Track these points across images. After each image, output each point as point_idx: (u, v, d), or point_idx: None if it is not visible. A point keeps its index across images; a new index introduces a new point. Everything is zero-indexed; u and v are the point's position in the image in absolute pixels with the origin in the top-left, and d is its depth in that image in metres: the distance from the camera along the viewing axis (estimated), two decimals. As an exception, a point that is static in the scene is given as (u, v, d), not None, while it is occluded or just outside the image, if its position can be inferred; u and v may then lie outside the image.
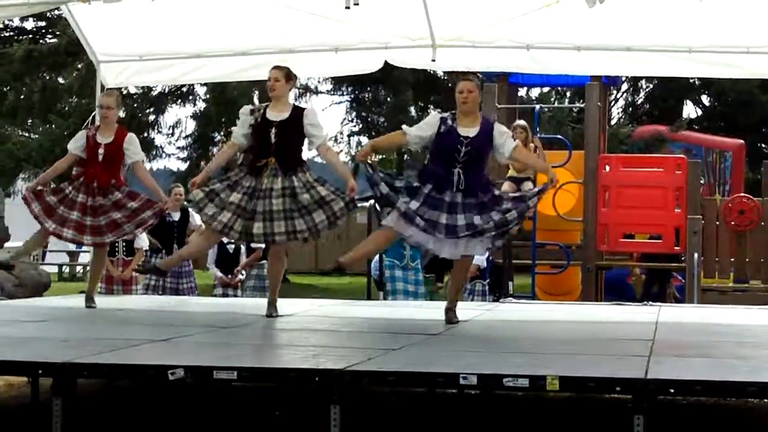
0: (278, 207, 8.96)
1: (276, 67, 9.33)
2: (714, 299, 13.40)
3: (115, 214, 9.80)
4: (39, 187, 10.11)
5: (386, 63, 12.93)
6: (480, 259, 13.23)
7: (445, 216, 8.48)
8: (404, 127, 9.03)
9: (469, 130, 8.63)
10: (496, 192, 8.85)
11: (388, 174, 9.04)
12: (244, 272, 13.58)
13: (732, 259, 14.22)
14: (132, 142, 10.01)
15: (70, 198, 9.86)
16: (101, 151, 9.83)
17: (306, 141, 9.23)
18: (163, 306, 10.87)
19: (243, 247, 13.33)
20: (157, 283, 12.88)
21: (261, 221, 8.97)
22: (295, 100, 30.52)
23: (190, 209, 12.94)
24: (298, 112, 9.18)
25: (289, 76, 9.30)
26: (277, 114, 9.12)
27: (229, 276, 13.54)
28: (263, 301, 9.94)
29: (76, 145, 10.05)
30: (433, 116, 8.94)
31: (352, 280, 26.69)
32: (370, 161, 8.98)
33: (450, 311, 9.04)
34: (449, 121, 8.71)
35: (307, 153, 9.85)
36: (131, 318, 9.75)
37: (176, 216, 13.09)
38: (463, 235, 8.46)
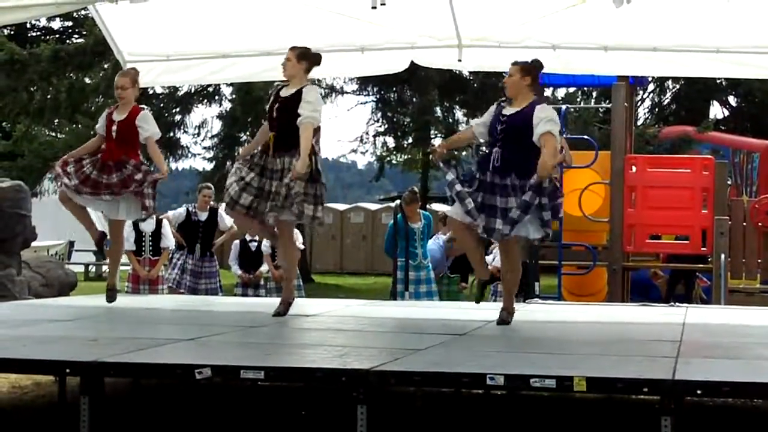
0: (275, 189, 9.00)
1: (290, 48, 9.33)
2: (741, 300, 13.33)
3: (117, 189, 9.77)
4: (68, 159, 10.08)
5: (412, 63, 12.93)
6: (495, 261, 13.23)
7: (480, 195, 8.49)
8: (471, 121, 9.12)
9: (513, 110, 8.64)
10: (532, 181, 8.53)
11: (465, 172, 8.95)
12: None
13: (759, 260, 14.14)
14: (144, 119, 9.97)
15: (85, 170, 9.81)
16: (114, 128, 9.86)
17: None
18: (190, 305, 10.90)
19: (265, 245, 13.31)
20: (176, 276, 12.95)
21: (266, 201, 9.05)
22: (322, 99, 30.56)
23: (219, 210, 12.99)
24: (300, 90, 9.13)
25: (303, 55, 9.25)
26: (287, 90, 9.16)
27: (251, 273, 13.55)
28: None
29: (99, 125, 10.11)
30: (495, 104, 8.91)
31: (377, 280, 26.69)
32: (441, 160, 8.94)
33: (504, 311, 9.02)
34: (502, 104, 8.76)
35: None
36: (158, 317, 9.77)
37: (203, 216, 13.15)
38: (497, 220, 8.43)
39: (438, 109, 29.81)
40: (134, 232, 12.54)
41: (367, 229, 34.22)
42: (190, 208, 13.33)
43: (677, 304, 11.79)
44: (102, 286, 15.46)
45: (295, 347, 7.65)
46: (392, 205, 13.81)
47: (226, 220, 12.76)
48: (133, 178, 9.70)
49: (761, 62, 12.01)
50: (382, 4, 10.00)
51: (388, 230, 13.70)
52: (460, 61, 12.77)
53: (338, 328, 8.73)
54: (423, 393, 7.54)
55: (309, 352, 7.29)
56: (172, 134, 28.30)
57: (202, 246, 13.04)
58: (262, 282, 13.68)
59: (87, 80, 26.65)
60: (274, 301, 9.87)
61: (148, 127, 9.97)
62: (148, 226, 12.70)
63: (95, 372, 6.31)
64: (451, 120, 30.43)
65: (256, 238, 13.40)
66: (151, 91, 24.92)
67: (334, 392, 6.43)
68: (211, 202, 13.35)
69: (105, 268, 28.83)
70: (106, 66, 24.63)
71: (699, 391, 5.80)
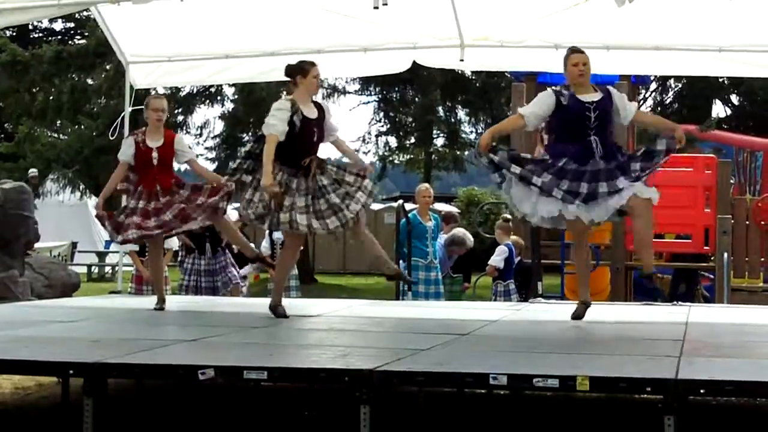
0: (338, 199, 9.02)
1: (317, 64, 9.30)
2: (744, 299, 13.32)
3: (186, 207, 9.73)
4: (105, 209, 10.10)
5: (414, 63, 12.95)
6: (497, 260, 13.24)
7: (586, 186, 8.34)
8: (520, 108, 8.87)
9: (591, 96, 8.53)
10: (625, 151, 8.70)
11: (512, 153, 8.80)
12: None
13: (762, 259, 14.14)
14: (181, 142, 10.09)
15: (130, 208, 9.84)
16: (155, 155, 9.82)
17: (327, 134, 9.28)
18: (193, 306, 10.91)
19: (265, 246, 13.30)
20: (192, 282, 12.91)
21: (333, 215, 9.03)
22: (323, 100, 30.68)
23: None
24: (322, 108, 9.24)
25: None
26: (310, 111, 9.10)
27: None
28: (293, 301, 9.97)
29: (127, 153, 9.97)
30: (546, 93, 8.68)
31: (380, 280, 26.66)
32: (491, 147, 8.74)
33: (581, 304, 9.00)
34: (565, 92, 8.57)
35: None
36: (161, 318, 9.77)
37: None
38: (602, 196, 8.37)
39: (440, 108, 29.86)
40: (138, 232, 12.53)
41: (370, 229, 34.01)
42: None
43: (680, 303, 11.78)
44: (105, 287, 15.41)
45: (298, 347, 7.66)
46: (394, 205, 13.75)
47: (232, 215, 12.73)
48: (194, 200, 9.73)
49: (763, 61, 12.02)
50: (384, 4, 10.01)
51: (402, 228, 13.52)
52: (462, 60, 12.79)
53: (341, 329, 8.74)
54: (426, 393, 7.54)
55: (312, 352, 7.29)
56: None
57: (212, 245, 13.00)
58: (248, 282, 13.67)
59: (89, 81, 26.70)
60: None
61: (186, 149, 10.10)
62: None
63: (98, 373, 6.30)
64: (453, 120, 30.49)
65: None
66: (153, 92, 24.93)
67: (338, 392, 6.43)
68: None
69: (107, 269, 28.94)
70: (108, 67, 24.67)
71: (702, 390, 5.79)
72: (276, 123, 8.94)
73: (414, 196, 13.76)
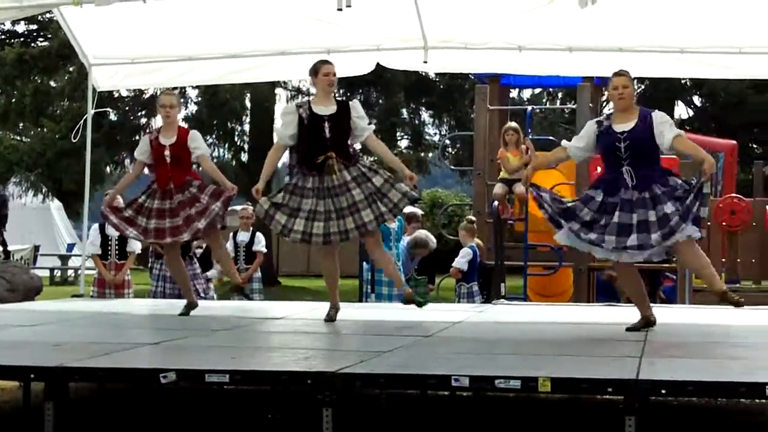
0: (360, 197, 8.94)
1: (331, 63, 9.29)
2: (705, 300, 13.37)
3: (191, 210, 9.67)
4: (115, 203, 10.04)
5: (378, 65, 12.94)
6: (461, 262, 13.25)
7: (618, 215, 8.22)
8: (564, 141, 8.80)
9: (625, 125, 8.33)
10: (675, 182, 8.32)
11: (554, 196, 8.69)
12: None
13: (723, 260, 14.21)
14: (195, 138, 9.92)
15: (147, 207, 9.79)
16: (167, 153, 9.74)
17: (354, 133, 9.20)
18: (155, 309, 10.87)
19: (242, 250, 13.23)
20: (159, 288, 12.85)
21: (350, 216, 8.94)
22: (287, 102, 30.64)
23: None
24: (343, 105, 9.20)
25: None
26: (324, 108, 9.07)
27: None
28: (255, 304, 9.95)
29: (141, 152, 9.98)
30: (589, 123, 8.65)
31: (344, 283, 26.62)
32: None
33: (643, 319, 8.67)
34: (604, 122, 8.47)
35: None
36: (123, 322, 9.74)
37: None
38: (631, 243, 8.18)
39: (404, 110, 29.85)
40: (100, 235, 12.46)
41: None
42: None
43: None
44: (67, 290, 15.34)
45: (261, 350, 7.65)
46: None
47: None
48: (198, 199, 9.67)
49: (725, 62, 12.09)
50: (348, 6, 10.00)
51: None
52: (425, 62, 12.80)
53: (304, 331, 8.73)
54: (389, 395, 7.54)
55: (274, 355, 7.28)
56: (137, 137, 28.18)
57: (183, 251, 12.93)
58: (212, 285, 13.62)
59: (52, 84, 26.59)
60: (242, 305, 9.86)
61: (199, 145, 9.95)
62: (113, 230, 12.62)
63: (60, 377, 6.28)
64: (417, 122, 30.50)
65: (203, 244, 13.36)
66: (116, 94, 24.87)
67: (300, 395, 6.43)
68: None
69: (70, 272, 28.78)
70: (71, 69, 24.59)
71: (663, 391, 5.82)
72: (280, 130, 9.22)
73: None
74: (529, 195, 8.77)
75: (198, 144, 9.92)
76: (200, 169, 10.37)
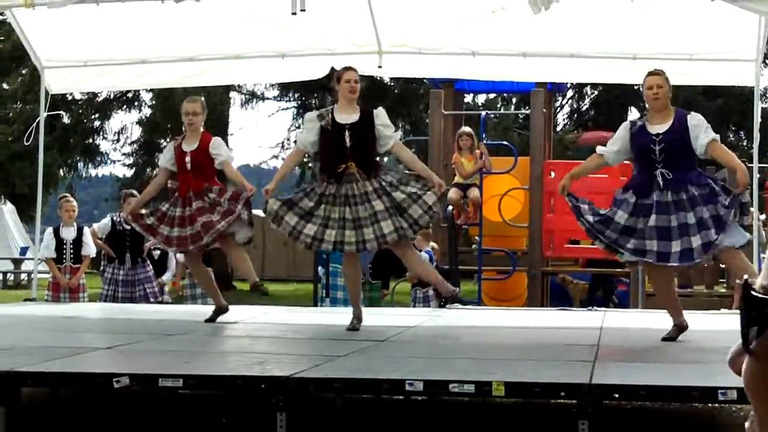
0: (380, 207, 8.72)
1: (354, 69, 9.19)
2: (658, 304, 13.46)
3: (211, 216, 9.53)
4: (140, 210, 9.91)
5: (333, 69, 12.93)
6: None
7: (654, 218, 8.10)
8: (599, 148, 8.59)
9: (660, 127, 8.23)
10: (715, 185, 8.20)
11: (592, 207, 8.54)
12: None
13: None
14: (217, 146, 9.76)
15: (169, 215, 9.68)
16: (188, 159, 9.63)
17: (378, 142, 8.98)
18: (109, 314, 10.83)
19: (171, 254, 13.12)
20: (110, 292, 12.79)
21: (369, 226, 8.71)
22: (241, 106, 30.59)
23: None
24: (367, 114, 8.99)
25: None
26: (346, 117, 8.91)
27: (159, 280, 13.47)
28: (208, 309, 9.91)
29: (165, 159, 9.92)
30: (622, 126, 8.50)
31: (299, 287, 26.64)
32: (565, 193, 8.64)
33: (676, 327, 8.50)
34: (638, 123, 8.37)
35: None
36: (77, 326, 9.69)
37: (129, 225, 12.96)
38: (675, 250, 8.07)
39: (359, 115, 29.84)
40: (55, 239, 12.41)
41: (271, 234, 34.03)
42: (115, 218, 13.10)
43: (596, 308, 11.90)
44: (20, 294, 15.24)
45: (215, 355, 7.63)
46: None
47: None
48: (219, 203, 9.54)
49: (676, 68, 12.13)
50: (302, 11, 10.00)
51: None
52: (380, 67, 12.82)
53: (258, 335, 8.73)
54: (343, 399, 7.54)
55: (228, 359, 7.28)
56: (91, 140, 28.13)
57: (132, 254, 12.87)
58: (167, 289, 13.59)
59: (5, 86, 26.42)
60: (195, 309, 9.84)
61: (222, 152, 9.79)
62: (69, 234, 12.57)
63: (11, 382, 6.23)
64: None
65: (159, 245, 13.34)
66: (69, 97, 24.74)
67: (254, 399, 6.42)
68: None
69: (23, 276, 28.58)
70: (23, 72, 24.45)
71: (616, 395, 5.86)
72: (302, 135, 9.11)
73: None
74: (567, 203, 8.57)
75: (220, 151, 9.76)
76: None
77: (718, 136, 8.27)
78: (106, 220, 13.19)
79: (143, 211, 9.90)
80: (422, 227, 9.09)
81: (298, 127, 31.56)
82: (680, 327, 8.47)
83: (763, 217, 15.17)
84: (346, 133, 8.83)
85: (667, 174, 8.14)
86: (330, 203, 8.80)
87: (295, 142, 8.86)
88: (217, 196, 9.58)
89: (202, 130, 9.80)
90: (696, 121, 8.23)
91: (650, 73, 8.45)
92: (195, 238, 9.57)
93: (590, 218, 8.37)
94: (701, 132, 8.17)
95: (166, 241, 9.76)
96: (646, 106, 8.50)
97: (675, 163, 8.16)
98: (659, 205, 8.14)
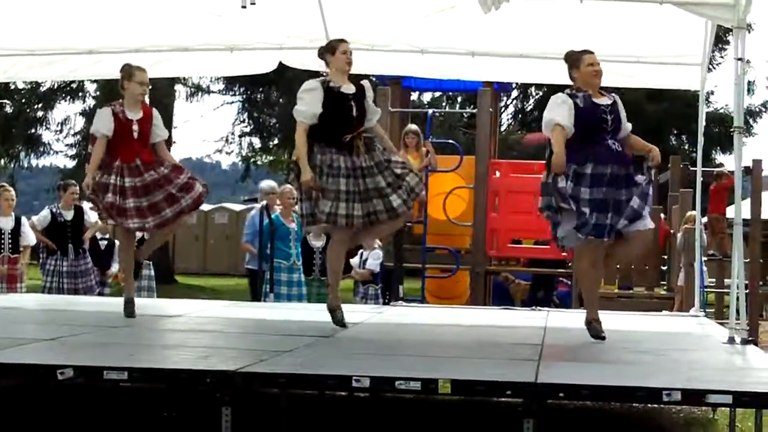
0: (390, 179, 8.54)
1: (347, 41, 8.93)
2: (600, 305, 13.51)
3: (169, 188, 9.06)
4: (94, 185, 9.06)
5: (281, 64, 12.89)
6: (373, 264, 13.30)
7: (603, 191, 7.99)
8: (557, 120, 8.15)
9: (603, 100, 8.24)
10: (649, 164, 8.25)
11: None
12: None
13: (618, 266, 14.41)
14: (158, 118, 9.42)
15: (119, 185, 9.00)
16: (135, 128, 9.12)
17: (366, 116, 8.78)
18: (51, 305, 10.73)
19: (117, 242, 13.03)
20: (54, 284, 12.69)
21: (379, 198, 8.49)
22: (186, 99, 30.44)
23: (84, 207, 12.78)
24: (361, 87, 8.81)
25: None
26: (347, 87, 8.69)
27: (106, 272, 13.40)
28: (154, 301, 9.86)
29: (105, 126, 9.13)
30: (560, 97, 8.26)
31: (240, 282, 26.55)
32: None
33: (593, 322, 8.39)
34: (578, 94, 8.22)
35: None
36: (18, 317, 9.60)
37: (69, 215, 12.89)
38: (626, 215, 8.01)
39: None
40: (-9, 229, 12.30)
41: (231, 230, 34.00)
42: (54, 209, 12.99)
43: (539, 308, 11.95)
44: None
45: (159, 348, 7.59)
46: (257, 205, 13.61)
47: (92, 216, 12.52)
48: (175, 177, 9.10)
49: (624, 71, 12.23)
50: (252, 4, 9.96)
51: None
52: (328, 62, 12.78)
53: (203, 329, 8.69)
54: (288, 395, 7.53)
55: (173, 353, 7.24)
56: (33, 131, 27.89)
57: (74, 245, 12.79)
58: (109, 281, 13.52)
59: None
60: (140, 302, 9.72)
61: (162, 127, 9.41)
62: (6, 224, 12.47)
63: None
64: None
65: (107, 235, 13.24)
66: (12, 86, 24.52)
67: (199, 393, 6.39)
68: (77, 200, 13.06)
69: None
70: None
71: (561, 394, 5.89)
72: (304, 108, 8.60)
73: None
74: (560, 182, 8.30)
75: (160, 127, 9.39)
76: None
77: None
78: (45, 213, 13.07)
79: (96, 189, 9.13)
80: (417, 195, 8.87)
81: (243, 122, 31.55)
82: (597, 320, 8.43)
83: (704, 220, 15.32)
84: (353, 104, 8.64)
85: (617, 146, 8.18)
86: (345, 176, 8.49)
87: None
88: (171, 172, 9.16)
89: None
90: (621, 103, 8.38)
91: (586, 52, 8.45)
92: (153, 210, 9.04)
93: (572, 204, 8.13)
94: (624, 114, 8.34)
95: (122, 213, 9.00)
96: (574, 84, 8.41)
97: (617, 136, 8.25)
98: (612, 178, 8.05)
